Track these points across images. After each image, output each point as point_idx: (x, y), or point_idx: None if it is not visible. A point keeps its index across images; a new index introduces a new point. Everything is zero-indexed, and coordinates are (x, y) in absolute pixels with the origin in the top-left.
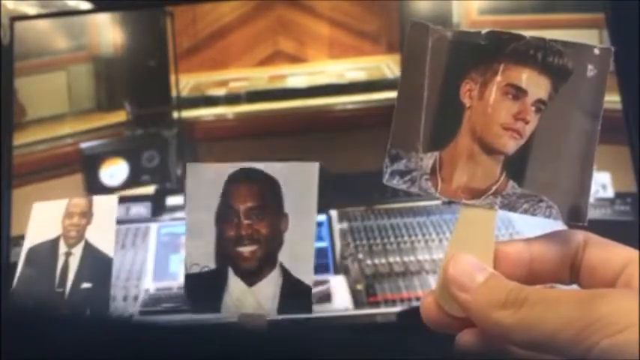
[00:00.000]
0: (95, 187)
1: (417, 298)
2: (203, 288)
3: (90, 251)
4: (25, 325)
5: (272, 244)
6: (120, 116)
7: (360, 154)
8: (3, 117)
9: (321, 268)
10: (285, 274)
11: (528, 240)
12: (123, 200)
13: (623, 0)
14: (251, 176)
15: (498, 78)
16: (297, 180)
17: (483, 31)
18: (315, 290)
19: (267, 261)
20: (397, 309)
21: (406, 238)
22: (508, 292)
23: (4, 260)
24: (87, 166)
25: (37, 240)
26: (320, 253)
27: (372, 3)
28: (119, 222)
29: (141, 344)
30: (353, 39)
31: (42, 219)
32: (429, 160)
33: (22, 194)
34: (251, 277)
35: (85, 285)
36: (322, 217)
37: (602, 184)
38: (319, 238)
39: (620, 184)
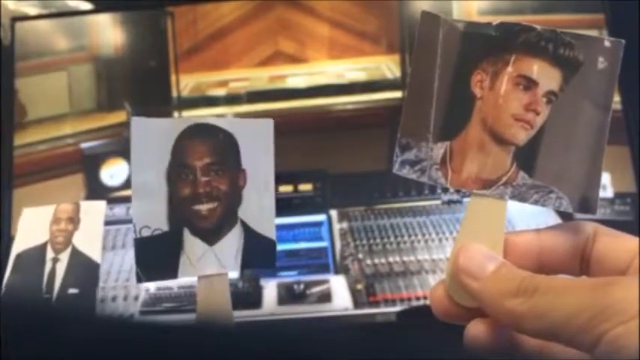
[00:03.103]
0: (95, 187)
1: (417, 298)
2: (156, 252)
3: (77, 257)
4: (24, 324)
5: (232, 200)
6: (120, 116)
7: (360, 154)
8: (4, 117)
9: (321, 268)
10: (247, 229)
11: (538, 231)
12: (123, 200)
13: (623, 0)
14: (206, 132)
15: (509, 69)
16: (253, 135)
17: (494, 23)
18: (315, 290)
19: (227, 218)
20: (397, 309)
21: (406, 238)
22: (520, 280)
23: (5, 260)
24: (87, 166)
25: (25, 246)
26: (320, 253)
27: (372, 3)
28: (120, 222)
29: (141, 344)
30: (353, 39)
31: (30, 225)
32: (439, 150)
33: (22, 194)
34: (211, 236)
35: (72, 290)
36: (322, 217)
37: (602, 184)
38: (319, 238)
39: (620, 184)
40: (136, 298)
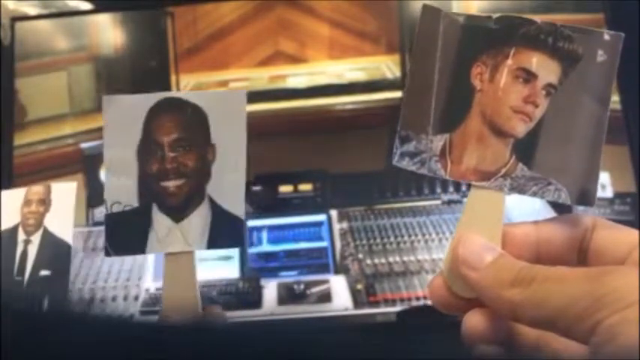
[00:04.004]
0: (95, 187)
1: (417, 298)
2: (126, 227)
3: (48, 239)
4: (24, 324)
5: (199, 176)
6: None
7: (360, 154)
8: (4, 117)
9: (321, 268)
10: (214, 207)
11: (536, 222)
12: None
13: (623, 0)
14: (175, 106)
15: (509, 61)
16: (224, 108)
17: (495, 16)
18: (315, 290)
19: (194, 195)
20: (397, 309)
21: (406, 238)
22: (517, 270)
23: None
24: (87, 166)
25: None
26: (320, 253)
27: (372, 3)
28: None
29: (141, 344)
30: (353, 39)
31: (1, 208)
32: (438, 142)
33: None
34: (177, 213)
35: (44, 272)
36: (322, 217)
37: (602, 184)
38: (319, 238)
39: (620, 184)
40: (136, 298)
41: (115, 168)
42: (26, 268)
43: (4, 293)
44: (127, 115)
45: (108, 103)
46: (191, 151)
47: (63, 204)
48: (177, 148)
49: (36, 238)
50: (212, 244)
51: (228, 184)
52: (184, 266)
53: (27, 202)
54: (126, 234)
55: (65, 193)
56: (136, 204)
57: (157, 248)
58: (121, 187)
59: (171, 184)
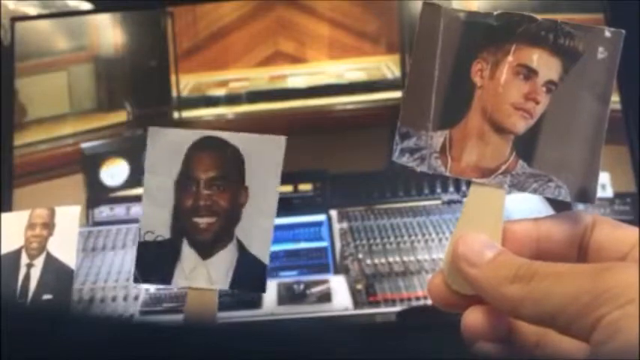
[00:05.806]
0: (95, 187)
1: (417, 298)
2: (155, 258)
3: (51, 263)
4: (24, 325)
5: (230, 217)
6: (120, 116)
7: (360, 154)
8: (3, 117)
9: (321, 268)
10: (241, 249)
11: (536, 219)
12: (123, 200)
13: (623, 0)
14: (215, 145)
15: (510, 58)
16: (262, 153)
17: (495, 13)
18: (315, 290)
19: (223, 234)
20: (397, 309)
21: (406, 238)
22: (517, 267)
23: None
24: (87, 166)
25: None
26: (320, 253)
27: (372, 3)
28: (120, 222)
29: (141, 344)
30: (353, 39)
31: (5, 230)
32: (438, 138)
33: (22, 194)
34: (205, 250)
35: (46, 296)
36: (322, 217)
37: (602, 184)
38: (319, 238)
39: (620, 184)
40: (136, 298)
41: (154, 196)
42: (29, 292)
43: (5, 316)
44: (169, 147)
45: (152, 135)
46: (225, 190)
47: (66, 228)
48: (212, 186)
49: (39, 262)
50: (234, 285)
51: (257, 228)
52: (207, 302)
53: (31, 226)
54: (155, 263)
55: (69, 217)
56: (167, 236)
57: (183, 282)
58: (157, 216)
59: (202, 220)
